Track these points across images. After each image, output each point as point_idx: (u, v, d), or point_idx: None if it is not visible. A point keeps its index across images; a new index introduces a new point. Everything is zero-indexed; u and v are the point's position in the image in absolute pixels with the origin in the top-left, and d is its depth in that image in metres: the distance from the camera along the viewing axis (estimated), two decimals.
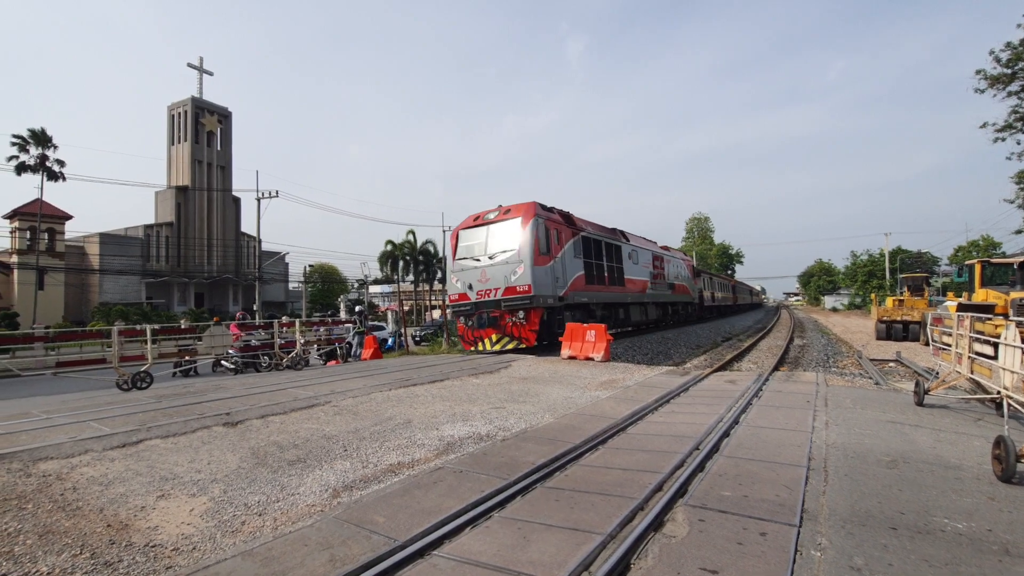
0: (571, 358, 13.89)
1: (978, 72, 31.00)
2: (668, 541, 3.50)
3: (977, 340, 7.35)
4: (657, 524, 3.77)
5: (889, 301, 27.32)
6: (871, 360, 16.71)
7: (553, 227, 15.95)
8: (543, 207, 16.07)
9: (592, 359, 13.59)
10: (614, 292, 19.85)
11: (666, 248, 29.00)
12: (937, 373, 10.66)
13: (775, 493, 4.32)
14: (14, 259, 45.05)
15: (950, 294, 23.70)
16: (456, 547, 3.53)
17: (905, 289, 28.40)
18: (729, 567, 3.12)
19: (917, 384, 8.04)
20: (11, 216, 46.36)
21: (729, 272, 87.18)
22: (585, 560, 3.24)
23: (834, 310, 75.82)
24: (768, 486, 4.48)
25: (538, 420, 7.34)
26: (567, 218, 17.39)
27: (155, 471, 4.97)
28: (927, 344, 21.32)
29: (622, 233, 22.52)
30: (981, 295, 15.33)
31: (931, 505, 4.08)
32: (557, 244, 16.02)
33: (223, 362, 15.93)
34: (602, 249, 19.29)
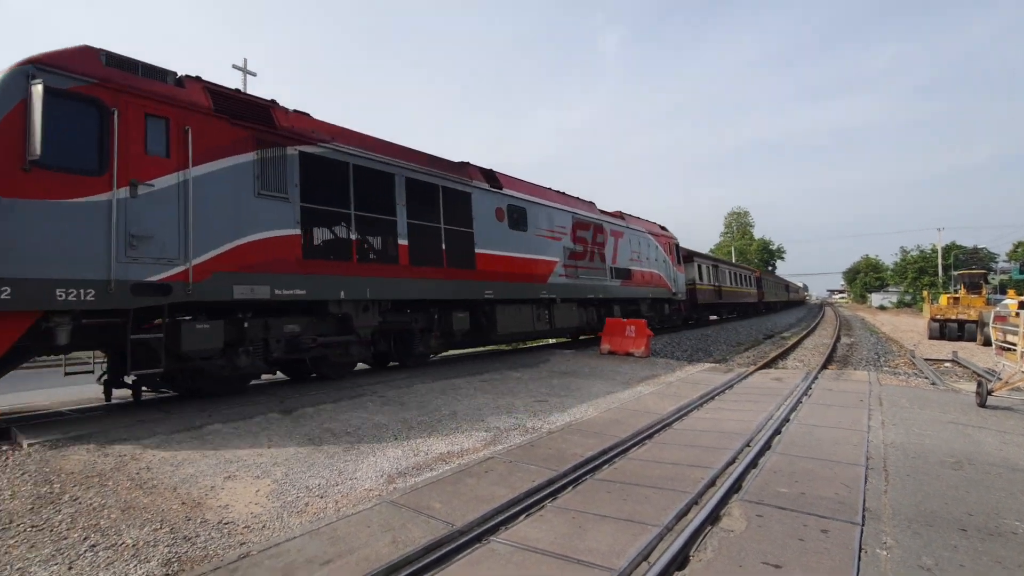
0: (610, 353, 13.82)
1: None
2: (726, 535, 3.48)
3: None
4: (714, 518, 3.75)
5: (943, 299, 26.06)
6: (925, 360, 16.03)
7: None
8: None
9: (632, 354, 13.48)
10: (403, 277, 9.56)
11: (618, 215, 18.75)
12: (999, 374, 10.16)
13: (834, 491, 4.22)
14: None
15: (1011, 291, 22.46)
16: (512, 534, 3.60)
17: (961, 286, 27.06)
18: (792, 563, 3.09)
19: (979, 384, 7.69)
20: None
21: (770, 268, 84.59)
22: (643, 551, 3.25)
23: (882, 308, 72.81)
24: (826, 484, 4.39)
25: (582, 414, 7.36)
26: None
27: (220, 453, 5.21)
28: (985, 344, 20.28)
29: (466, 170, 11.79)
30: None
31: (1001, 507, 3.92)
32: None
33: None
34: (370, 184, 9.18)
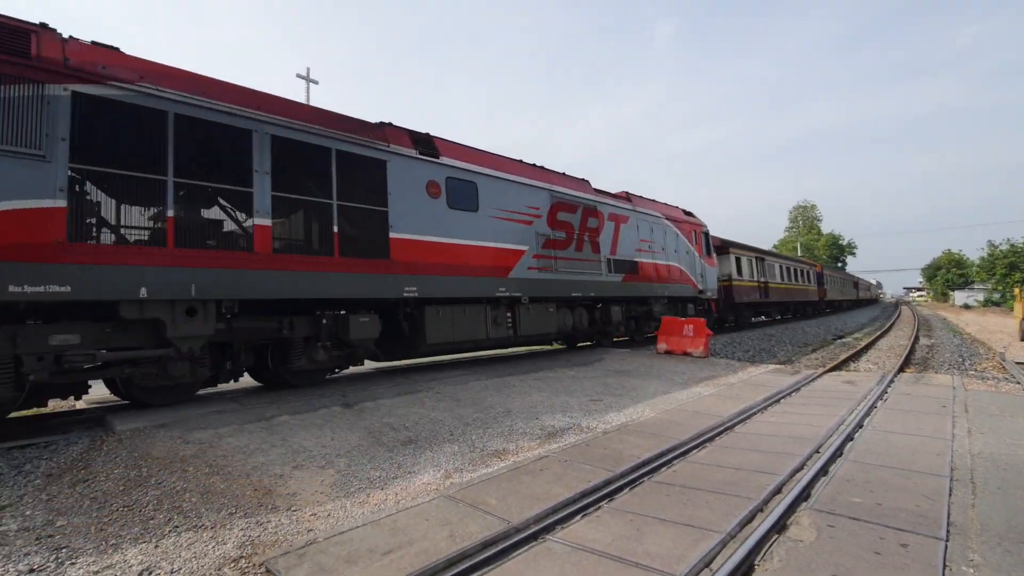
0: (667, 352, 13.48)
1: None
2: (794, 545, 3.32)
3: None
4: (780, 527, 3.59)
5: None
6: (1017, 363, 14.66)
7: None
8: None
9: (690, 354, 13.09)
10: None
11: (623, 196, 15.45)
12: None
13: (914, 503, 3.94)
14: None
15: None
16: (569, 533, 3.58)
17: None
18: None
19: None
20: None
21: (840, 264, 79.79)
22: (705, 557, 3.15)
23: (966, 307, 67.25)
24: (905, 495, 4.10)
25: (638, 414, 7.22)
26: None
27: (288, 444, 5.48)
28: None
29: (382, 131, 9.12)
30: None
31: None
32: None
33: None
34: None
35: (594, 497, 4.18)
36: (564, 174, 13.20)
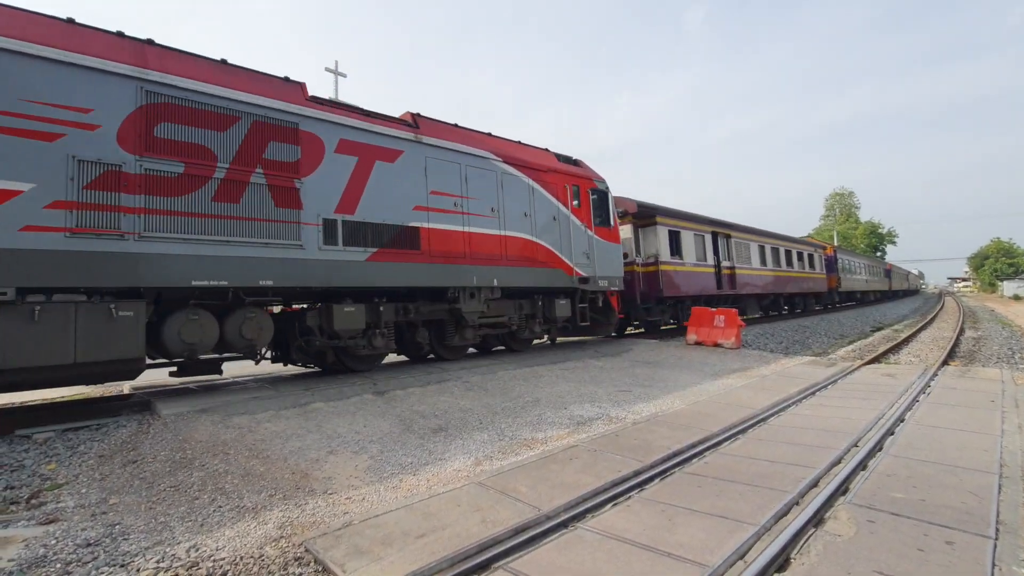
0: (697, 344, 13.28)
1: None
2: (832, 539, 3.25)
3: None
4: (817, 521, 3.51)
5: None
6: None
7: None
8: None
9: (721, 345, 12.87)
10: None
11: (406, 120, 9.41)
12: None
13: (960, 500, 3.80)
14: None
15: None
16: (599, 522, 3.58)
17: None
18: (911, 574, 2.82)
19: None
20: None
21: (879, 254, 76.81)
22: (739, 549, 3.12)
23: (1016, 298, 64.10)
24: (950, 492, 3.96)
25: (668, 405, 7.15)
26: None
27: (323, 430, 5.62)
28: None
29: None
30: None
31: None
32: None
33: None
34: None
35: (624, 487, 4.17)
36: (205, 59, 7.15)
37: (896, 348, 16.06)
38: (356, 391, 7.32)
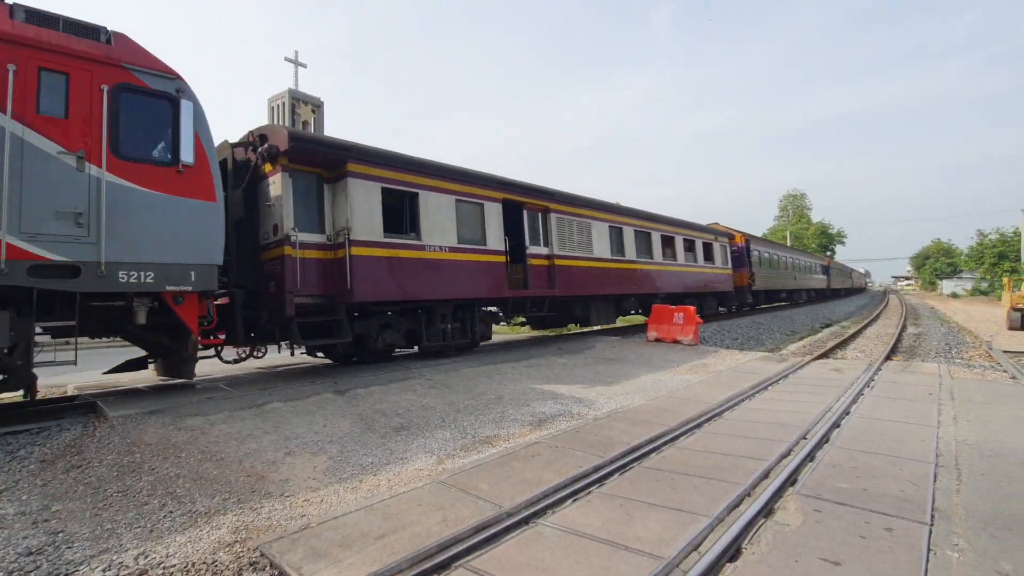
0: (657, 340, 13.58)
1: None
2: (781, 529, 3.38)
3: None
4: (767, 511, 3.65)
5: None
6: (1004, 352, 14.91)
7: None
8: None
9: (680, 342, 13.20)
10: None
11: None
12: None
13: (899, 488, 4.02)
14: None
15: None
16: (560, 518, 3.62)
17: None
18: (853, 560, 2.97)
19: None
20: None
21: (828, 253, 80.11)
22: (694, 540, 3.21)
23: (954, 296, 68.09)
24: (890, 480, 4.19)
25: (628, 401, 7.29)
26: None
27: (280, 430, 5.48)
28: None
29: None
30: None
31: None
32: None
33: None
34: None
35: (585, 482, 4.23)
36: None
37: (844, 344, 16.81)
38: (316, 390, 7.17)
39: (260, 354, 9.71)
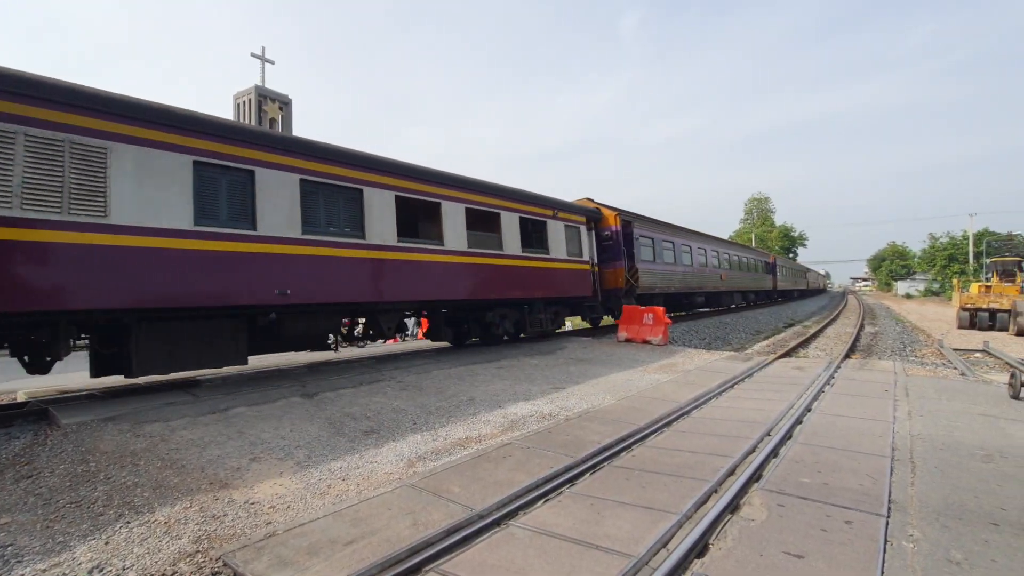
0: (628, 340, 13.76)
1: None
2: (747, 524, 3.46)
3: None
4: (734, 507, 3.73)
5: (974, 287, 25.36)
6: (954, 350, 15.64)
7: None
8: None
9: (649, 342, 13.40)
10: None
11: None
12: None
13: (858, 482, 4.16)
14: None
15: None
16: (531, 519, 3.63)
17: (994, 274, 26.26)
18: (814, 553, 3.06)
19: (1012, 376, 7.47)
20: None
21: (791, 255, 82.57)
22: (662, 538, 3.25)
23: (908, 296, 71.12)
24: (849, 475, 4.33)
25: (599, 401, 7.35)
26: None
27: (244, 436, 5.33)
28: (1019, 334, 19.73)
29: None
30: None
31: None
32: None
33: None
34: None
35: (556, 483, 4.24)
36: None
37: (805, 343, 17.35)
38: (283, 394, 7.02)
39: None
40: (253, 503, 3.90)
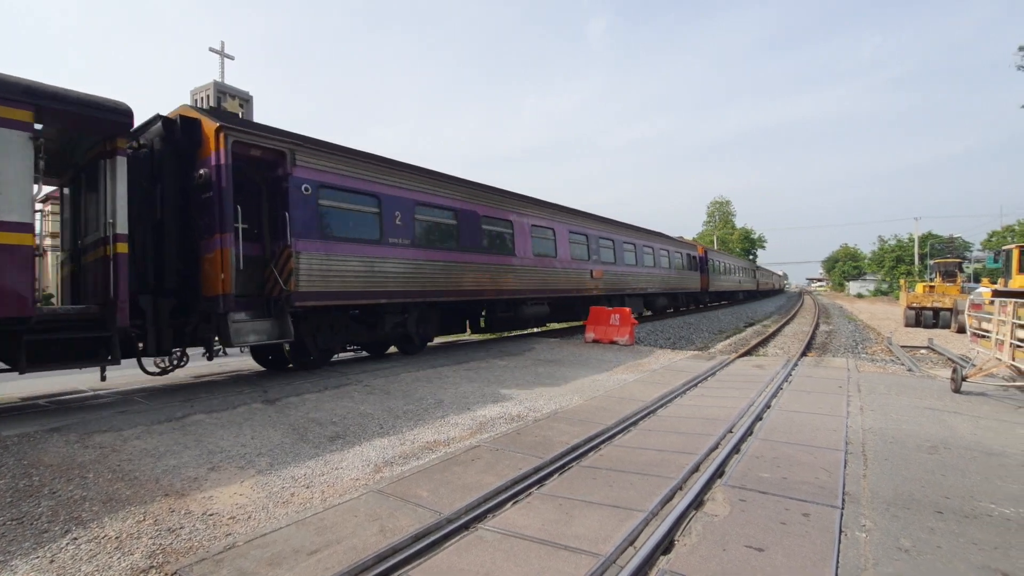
0: (595, 341, 13.91)
1: (1022, 48, 29.68)
2: (710, 520, 3.54)
3: (1021, 326, 7.17)
4: (698, 503, 3.81)
5: (919, 287, 26.68)
6: (902, 347, 16.42)
7: None
8: None
9: (616, 343, 13.58)
10: None
11: None
12: (973, 361, 10.44)
13: (814, 476, 4.32)
14: (48, 242, 46.35)
15: (984, 280, 23.06)
16: (500, 521, 3.62)
17: (936, 275, 27.68)
18: (774, 546, 3.15)
19: (954, 371, 7.90)
20: (44, 200, 47.66)
21: (751, 257, 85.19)
22: (629, 536, 3.29)
23: (859, 296, 74.36)
24: (806, 469, 4.48)
25: (567, 402, 7.40)
26: None
27: (203, 444, 5.14)
28: (959, 331, 20.85)
29: None
30: (1020, 281, 14.89)
31: (976, 491, 4.04)
32: None
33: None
34: None
35: (525, 484, 4.25)
36: None
37: (765, 342, 17.91)
38: (243, 400, 6.80)
39: None
40: (212, 514, 3.76)
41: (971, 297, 12.85)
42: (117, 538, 3.39)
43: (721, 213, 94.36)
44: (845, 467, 4.53)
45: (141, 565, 3.10)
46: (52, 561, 3.13)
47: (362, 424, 6.11)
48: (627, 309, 14.21)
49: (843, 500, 3.82)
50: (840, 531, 3.34)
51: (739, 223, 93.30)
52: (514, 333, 17.55)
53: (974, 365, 8.61)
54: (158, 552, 3.24)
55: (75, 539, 3.38)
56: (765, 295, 60.53)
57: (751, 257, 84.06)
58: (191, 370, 9.75)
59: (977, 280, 31.28)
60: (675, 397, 7.62)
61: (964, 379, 7.73)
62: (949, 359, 13.66)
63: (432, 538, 3.33)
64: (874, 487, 4.08)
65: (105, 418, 5.85)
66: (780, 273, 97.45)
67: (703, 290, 30.49)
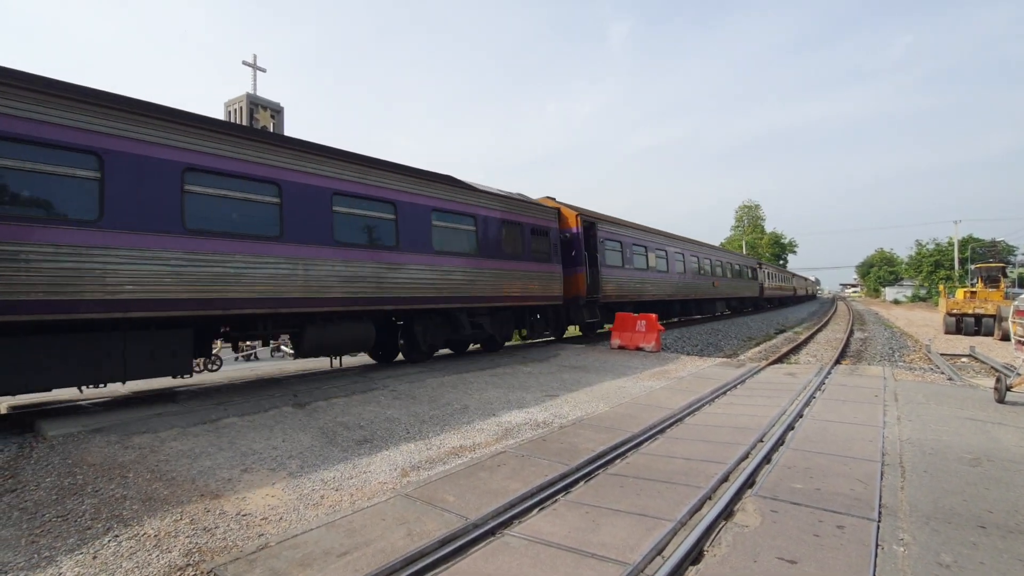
0: (621, 348, 13.79)
1: None
2: (741, 530, 3.47)
3: None
4: (727, 513, 3.74)
5: (960, 293, 25.68)
6: (941, 355, 15.82)
7: None
8: None
9: (642, 349, 13.44)
10: None
11: None
12: (1018, 369, 10.00)
13: (849, 487, 4.20)
14: None
15: None
16: (526, 527, 3.62)
17: (978, 280, 26.61)
18: (807, 558, 3.07)
19: (998, 380, 7.57)
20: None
21: (781, 262, 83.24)
22: (657, 545, 3.26)
23: (896, 302, 71.92)
24: (841, 480, 4.36)
25: (593, 408, 7.36)
26: None
27: (236, 447, 5.28)
28: (1003, 339, 19.98)
29: None
30: None
31: (1021, 504, 3.87)
32: None
33: (282, 347, 16.67)
34: None
35: (551, 491, 4.24)
36: None
37: (796, 349, 17.47)
38: (274, 404, 6.96)
39: None
40: (245, 515, 3.86)
41: (1016, 303, 12.30)
42: (156, 536, 3.51)
43: (750, 217, 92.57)
44: (882, 478, 4.39)
45: (178, 563, 3.20)
46: (95, 557, 3.26)
47: (389, 428, 6.19)
48: (654, 315, 14.06)
49: (880, 513, 3.70)
50: (877, 544, 3.24)
51: (768, 227, 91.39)
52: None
53: (1019, 374, 8.24)
54: (194, 551, 3.34)
55: (116, 536, 3.50)
56: (798, 300, 59.17)
57: (781, 262, 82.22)
58: (225, 373, 10.01)
59: (1022, 285, 29.94)
60: (703, 405, 7.50)
61: (1009, 388, 7.41)
62: (992, 368, 13.10)
63: (459, 543, 3.35)
64: (912, 499, 3.94)
65: (144, 419, 6.05)
66: (812, 279, 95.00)
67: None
